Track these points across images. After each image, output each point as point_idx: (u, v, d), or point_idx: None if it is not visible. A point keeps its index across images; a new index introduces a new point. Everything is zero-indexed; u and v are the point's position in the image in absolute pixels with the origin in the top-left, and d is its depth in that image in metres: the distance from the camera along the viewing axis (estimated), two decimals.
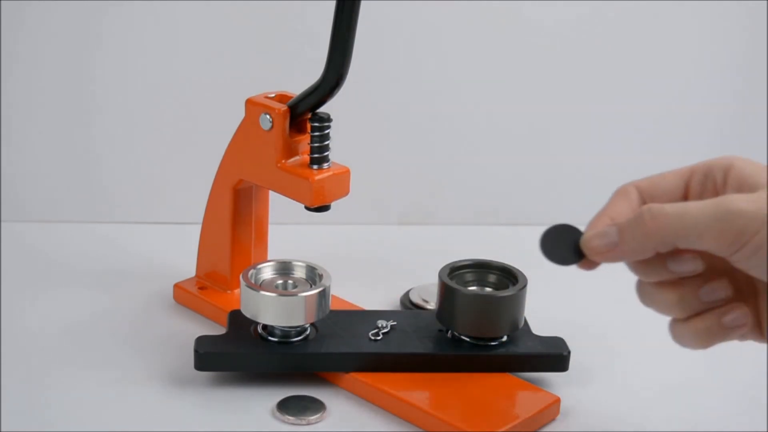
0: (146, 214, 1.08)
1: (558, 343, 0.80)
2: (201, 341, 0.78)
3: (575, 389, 0.80)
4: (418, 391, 0.76)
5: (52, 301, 0.91)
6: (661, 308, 0.61)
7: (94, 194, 1.09)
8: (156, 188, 1.09)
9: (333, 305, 0.81)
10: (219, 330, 0.85)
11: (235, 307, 0.82)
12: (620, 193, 0.62)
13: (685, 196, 0.61)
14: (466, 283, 0.81)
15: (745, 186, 0.58)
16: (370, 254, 1.04)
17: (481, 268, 0.82)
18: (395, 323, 0.82)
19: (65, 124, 1.07)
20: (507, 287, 0.80)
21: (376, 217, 1.10)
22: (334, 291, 0.84)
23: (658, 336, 0.91)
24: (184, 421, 0.74)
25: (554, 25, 1.10)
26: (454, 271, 0.81)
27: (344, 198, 0.81)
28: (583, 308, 0.94)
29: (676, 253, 0.58)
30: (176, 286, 0.90)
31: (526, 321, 0.82)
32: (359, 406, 0.77)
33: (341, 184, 0.80)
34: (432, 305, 0.89)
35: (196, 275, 0.91)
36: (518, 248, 0.96)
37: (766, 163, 0.60)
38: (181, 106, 1.07)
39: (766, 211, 0.54)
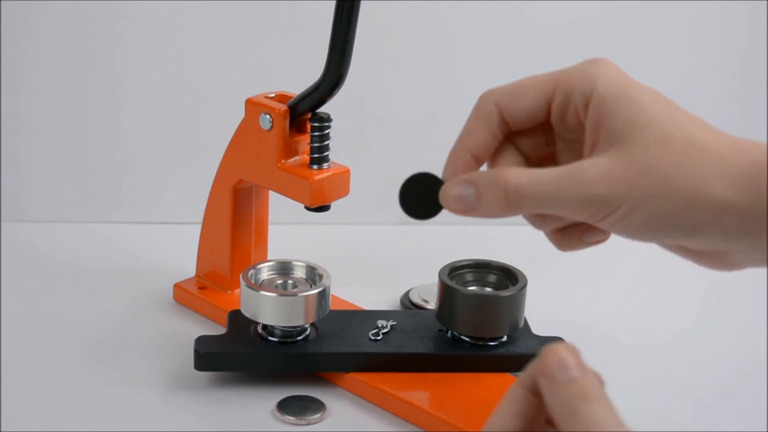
0: (146, 214, 1.08)
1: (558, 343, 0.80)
2: (201, 341, 0.78)
3: None
4: (418, 391, 0.76)
5: (52, 301, 0.91)
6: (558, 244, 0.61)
7: (94, 194, 1.09)
8: (156, 188, 1.09)
9: (333, 305, 0.81)
10: (219, 330, 0.85)
11: (235, 307, 0.82)
12: (480, 113, 0.59)
13: (547, 118, 0.58)
14: (466, 283, 0.81)
15: (603, 124, 0.55)
16: (370, 254, 1.04)
17: (481, 268, 0.82)
18: (395, 323, 0.82)
19: (65, 125, 1.07)
20: (507, 287, 0.80)
21: (376, 217, 1.10)
22: (334, 291, 0.84)
23: (658, 336, 0.91)
24: (184, 421, 0.74)
25: (554, 25, 1.10)
26: (454, 271, 0.81)
27: (344, 198, 0.81)
28: (583, 308, 0.94)
29: (588, 230, 0.59)
30: (176, 286, 0.90)
31: (526, 321, 0.82)
32: (359, 406, 0.77)
33: (341, 184, 0.80)
34: (432, 305, 0.89)
35: (196, 275, 0.91)
36: (518, 248, 0.96)
37: None
38: (181, 106, 1.07)
39: (622, 190, 0.53)
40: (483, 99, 0.59)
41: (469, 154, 0.59)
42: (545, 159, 0.61)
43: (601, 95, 0.55)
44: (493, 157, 0.60)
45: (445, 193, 0.58)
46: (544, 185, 0.55)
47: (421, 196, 0.58)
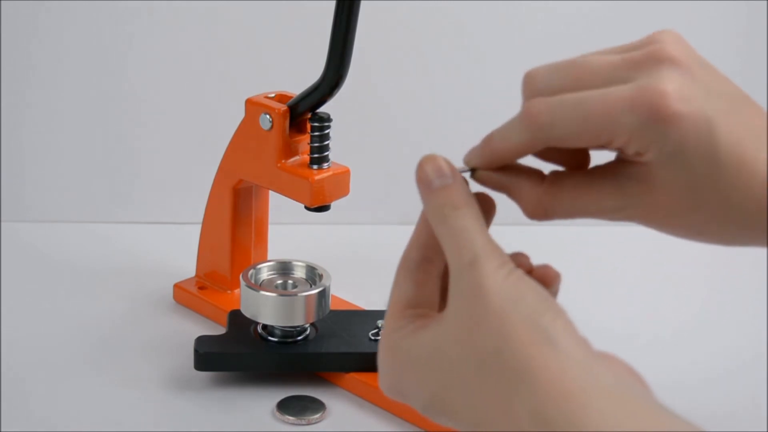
0: (146, 214, 1.08)
1: None
2: (201, 341, 0.78)
3: None
4: None
5: (52, 301, 0.91)
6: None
7: (94, 194, 1.08)
8: (156, 188, 1.09)
9: (333, 305, 0.81)
10: (219, 330, 0.85)
11: (235, 307, 0.82)
12: (529, 134, 0.52)
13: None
14: None
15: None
16: (370, 254, 1.04)
17: None
18: None
19: (65, 125, 1.07)
20: None
21: (376, 217, 1.10)
22: (334, 291, 0.84)
23: (658, 336, 0.91)
24: (184, 421, 0.74)
25: (554, 25, 1.10)
26: None
27: (344, 198, 0.81)
28: (583, 308, 0.94)
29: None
30: (176, 286, 0.90)
31: None
32: (359, 406, 0.77)
33: (341, 184, 0.80)
34: None
35: (196, 275, 0.91)
36: (518, 248, 0.96)
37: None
38: (181, 106, 1.07)
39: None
40: (531, 125, 0.52)
41: (502, 160, 0.54)
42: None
43: (654, 159, 0.50)
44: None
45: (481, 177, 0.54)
46: (581, 198, 0.53)
47: None
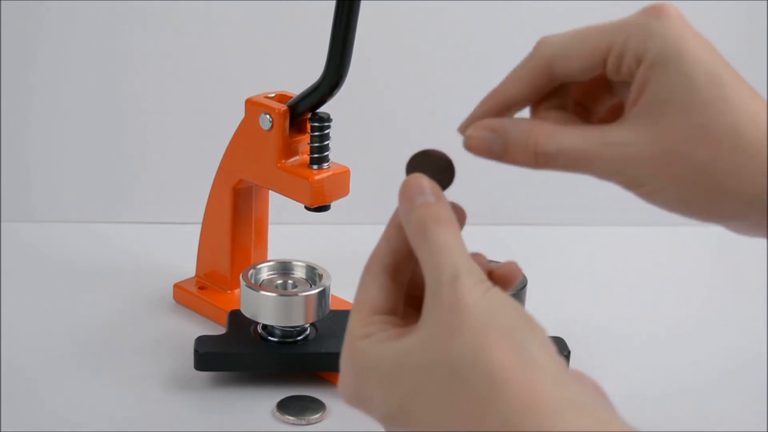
0: (146, 214, 1.08)
1: (558, 343, 0.80)
2: (201, 341, 0.78)
3: None
4: None
5: (52, 301, 0.91)
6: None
7: (94, 194, 1.09)
8: (156, 188, 1.09)
9: (333, 305, 0.81)
10: (219, 330, 0.85)
11: (235, 307, 0.82)
12: (530, 69, 0.57)
13: (602, 69, 0.54)
14: None
15: (646, 89, 0.51)
16: (370, 254, 1.03)
17: None
18: None
19: (65, 125, 1.07)
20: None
21: (376, 217, 1.10)
22: (334, 291, 0.84)
23: (658, 336, 0.91)
24: (184, 421, 0.74)
25: (554, 25, 1.10)
26: None
27: (344, 198, 0.81)
28: (583, 308, 0.94)
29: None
30: (176, 286, 0.90)
31: None
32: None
33: (341, 184, 0.80)
34: None
35: (196, 275, 0.91)
36: (518, 248, 0.96)
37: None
38: (181, 106, 1.07)
39: (648, 172, 0.51)
40: (536, 52, 0.57)
41: (504, 105, 0.57)
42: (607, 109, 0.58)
43: (651, 60, 0.51)
44: (536, 105, 0.57)
45: (471, 135, 0.56)
46: (574, 153, 0.53)
47: (429, 171, 0.56)
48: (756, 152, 0.50)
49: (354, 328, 0.51)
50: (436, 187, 0.52)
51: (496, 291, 0.48)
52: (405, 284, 0.53)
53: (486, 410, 0.44)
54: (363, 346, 0.50)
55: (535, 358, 0.45)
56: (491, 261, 0.54)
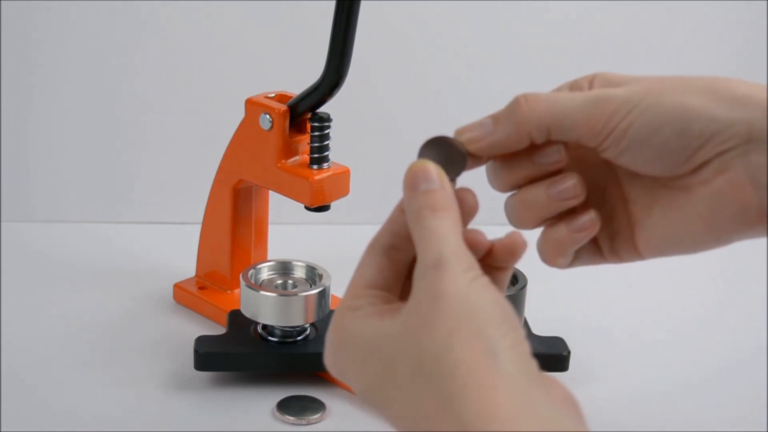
0: (146, 214, 1.08)
1: (558, 343, 0.80)
2: (201, 341, 0.78)
3: (575, 389, 0.79)
4: None
5: (52, 301, 0.91)
6: (520, 213, 0.57)
7: (94, 194, 1.09)
8: (156, 188, 1.09)
9: (333, 305, 0.81)
10: (219, 330, 0.85)
11: (235, 307, 0.82)
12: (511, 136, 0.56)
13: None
14: None
15: (611, 84, 0.55)
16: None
17: None
18: None
19: (66, 125, 1.07)
20: (507, 287, 0.80)
21: (376, 217, 1.10)
22: (334, 291, 0.84)
23: (657, 336, 0.91)
24: (184, 421, 0.74)
25: (554, 25, 1.10)
26: None
27: (344, 198, 0.81)
28: (583, 308, 0.94)
29: (542, 146, 0.55)
30: (176, 286, 0.90)
31: (526, 321, 0.82)
32: (359, 406, 0.77)
33: (341, 184, 0.80)
34: None
35: (196, 275, 0.91)
36: None
37: None
38: (181, 106, 1.07)
39: (636, 96, 0.52)
40: (521, 124, 0.55)
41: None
42: None
43: (605, 75, 0.56)
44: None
45: (463, 126, 0.57)
46: (560, 95, 0.54)
47: (440, 156, 0.56)
48: (731, 102, 0.51)
49: (344, 300, 0.52)
50: (442, 173, 0.52)
51: (482, 281, 0.48)
52: (405, 264, 0.53)
53: (445, 409, 0.44)
54: (348, 318, 0.50)
55: (501, 363, 0.45)
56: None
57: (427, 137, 0.56)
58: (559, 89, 0.57)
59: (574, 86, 0.57)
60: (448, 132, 0.57)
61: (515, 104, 0.54)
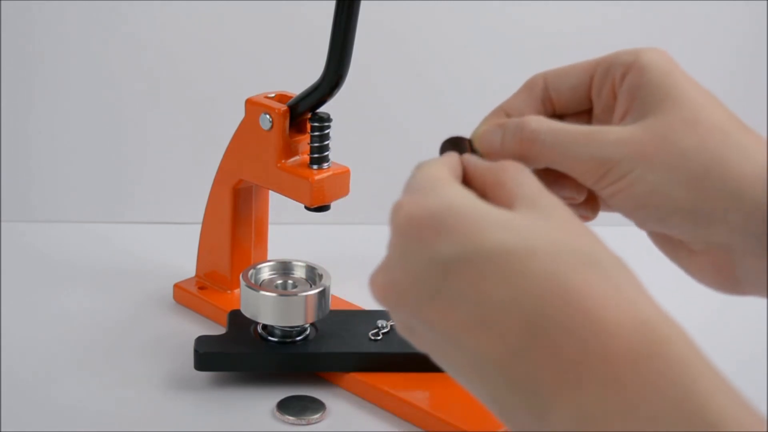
0: (146, 214, 1.08)
1: None
2: (201, 341, 0.78)
3: None
4: (418, 391, 0.76)
5: (52, 301, 0.91)
6: None
7: (94, 194, 1.09)
8: (156, 188, 1.09)
9: (333, 305, 0.81)
10: (219, 330, 0.85)
11: (235, 307, 0.82)
12: (527, 85, 0.59)
13: (589, 92, 0.57)
14: None
15: (637, 95, 0.54)
16: (370, 254, 1.03)
17: None
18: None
19: (66, 125, 1.07)
20: None
21: (376, 217, 1.10)
22: (334, 291, 0.84)
23: None
24: (184, 421, 0.74)
25: (555, 26, 1.10)
26: None
27: (344, 198, 0.81)
28: None
29: (559, 179, 0.56)
30: (176, 286, 0.90)
31: None
32: (359, 406, 0.77)
33: (341, 184, 0.80)
34: None
35: (196, 275, 0.91)
36: None
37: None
38: (181, 106, 1.07)
39: (635, 155, 0.52)
40: (533, 76, 0.59)
41: (504, 113, 0.59)
42: None
43: (643, 65, 0.54)
44: None
45: (477, 131, 0.58)
46: (562, 136, 0.54)
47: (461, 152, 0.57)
48: (740, 143, 0.52)
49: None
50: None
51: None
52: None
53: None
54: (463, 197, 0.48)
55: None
56: None
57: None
58: (596, 66, 0.57)
59: (609, 69, 0.56)
60: (464, 132, 0.57)
61: (518, 132, 0.55)
